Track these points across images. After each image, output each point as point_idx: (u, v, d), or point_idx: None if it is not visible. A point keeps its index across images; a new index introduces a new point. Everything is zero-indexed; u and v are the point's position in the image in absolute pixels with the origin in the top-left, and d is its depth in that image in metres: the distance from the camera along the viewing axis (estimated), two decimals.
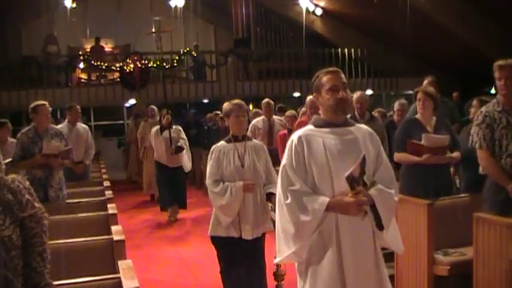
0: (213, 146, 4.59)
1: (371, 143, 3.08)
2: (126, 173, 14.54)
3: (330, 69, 3.14)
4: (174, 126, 9.10)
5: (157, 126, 9.19)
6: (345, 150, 2.97)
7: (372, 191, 2.93)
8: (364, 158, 2.88)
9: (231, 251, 4.54)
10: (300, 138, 3.02)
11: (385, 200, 2.96)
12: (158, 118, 10.29)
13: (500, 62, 4.17)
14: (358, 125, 3.18)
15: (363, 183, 2.89)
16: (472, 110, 5.75)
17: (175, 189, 9.15)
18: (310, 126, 3.12)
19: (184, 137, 9.24)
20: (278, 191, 3.03)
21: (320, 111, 3.17)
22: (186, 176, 9.75)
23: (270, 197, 4.41)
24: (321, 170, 2.93)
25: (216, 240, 4.59)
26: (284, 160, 3.03)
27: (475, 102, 5.78)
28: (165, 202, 9.33)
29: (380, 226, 2.98)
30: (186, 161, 9.14)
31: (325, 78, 3.07)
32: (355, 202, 2.82)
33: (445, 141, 4.97)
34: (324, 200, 2.87)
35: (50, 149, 5.87)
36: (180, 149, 8.90)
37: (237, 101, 4.63)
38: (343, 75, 3.10)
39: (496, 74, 4.19)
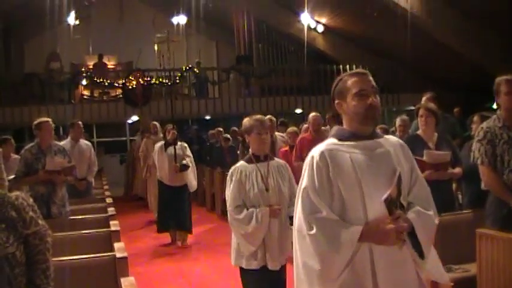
0: (233, 168, 4.18)
1: (404, 157, 2.64)
2: (124, 189, 14.72)
3: (357, 70, 2.76)
4: (179, 143, 8.56)
5: (162, 142, 8.69)
6: (377, 167, 2.52)
7: (410, 215, 2.51)
8: (400, 176, 2.50)
9: (255, 281, 4.09)
10: (322, 154, 2.54)
11: (425, 224, 2.53)
12: (161, 135, 9.97)
13: (508, 77, 4.16)
14: (386, 136, 2.77)
15: (400, 205, 2.50)
16: (474, 126, 5.77)
17: (178, 211, 8.54)
18: (332, 140, 2.64)
19: (190, 154, 8.71)
20: (298, 218, 2.54)
21: (344, 121, 2.68)
22: (190, 196, 8.98)
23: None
24: (350, 191, 2.47)
25: (241, 272, 4.16)
26: (304, 181, 2.56)
27: (476, 118, 5.79)
28: (163, 224, 8.77)
29: (421, 254, 2.53)
30: (191, 179, 8.53)
31: (350, 82, 2.66)
32: (395, 229, 2.39)
33: (447, 157, 4.98)
34: (357, 228, 2.41)
35: (53, 165, 5.89)
36: (185, 167, 8.37)
37: (258, 116, 4.25)
38: (371, 78, 2.70)
39: (504, 89, 4.17)
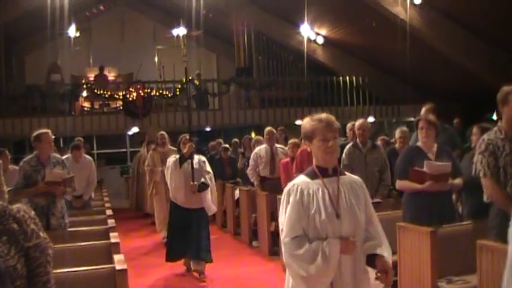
0: (290, 185, 3.13)
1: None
2: (130, 201, 14.11)
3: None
4: (196, 156, 7.28)
5: (175, 156, 7.28)
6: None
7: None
8: None
9: None
10: None
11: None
12: (170, 146, 9.21)
13: None
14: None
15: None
16: (474, 137, 5.77)
17: (194, 238, 7.11)
18: None
19: (210, 170, 7.37)
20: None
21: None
22: (208, 220, 7.57)
23: (373, 260, 3.07)
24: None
25: None
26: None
27: (475, 129, 5.79)
28: (175, 252, 7.33)
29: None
30: (209, 201, 7.24)
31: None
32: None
33: (447, 168, 4.98)
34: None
35: (53, 177, 5.87)
36: (204, 187, 7.10)
37: (323, 116, 3.15)
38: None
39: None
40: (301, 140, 9.09)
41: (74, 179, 6.38)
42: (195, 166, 7.11)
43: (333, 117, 3.17)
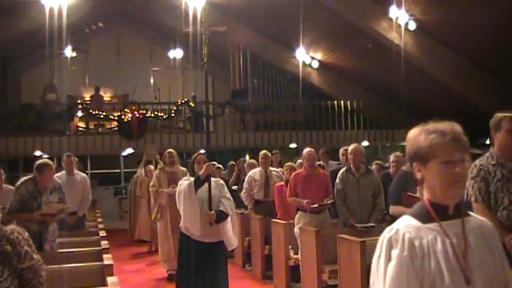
0: (388, 231, 2.07)
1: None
2: (129, 228, 12.94)
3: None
4: (213, 179, 6.05)
5: (189, 179, 5.97)
6: None
7: None
8: None
9: None
10: None
11: None
12: (180, 166, 8.45)
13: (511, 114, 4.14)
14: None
15: None
16: (466, 165, 5.80)
17: (210, 278, 5.85)
18: None
19: (230, 196, 6.13)
20: None
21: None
22: (227, 256, 6.46)
23: None
24: None
25: None
26: None
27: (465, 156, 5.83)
28: None
29: None
30: (229, 232, 5.97)
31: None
32: None
33: None
34: None
35: (49, 209, 5.84)
36: (223, 216, 5.86)
37: (446, 126, 2.19)
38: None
39: (506, 125, 4.10)
40: (296, 162, 9.15)
41: (68, 209, 6.34)
42: (212, 191, 5.84)
43: (459, 128, 2.22)
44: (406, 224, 2.05)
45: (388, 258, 2.00)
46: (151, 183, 8.67)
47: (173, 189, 7.35)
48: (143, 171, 11.25)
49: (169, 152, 8.62)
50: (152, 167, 10.72)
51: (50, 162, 6.11)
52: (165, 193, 8.24)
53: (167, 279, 8.42)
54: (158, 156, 10.47)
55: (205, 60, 9.46)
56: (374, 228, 6.47)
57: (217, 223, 5.77)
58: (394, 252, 1.99)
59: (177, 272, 6.42)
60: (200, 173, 5.82)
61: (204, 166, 5.83)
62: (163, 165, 8.66)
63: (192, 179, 5.90)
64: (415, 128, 2.21)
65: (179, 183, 6.14)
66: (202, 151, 7.29)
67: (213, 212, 5.75)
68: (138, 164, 12.03)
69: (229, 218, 5.90)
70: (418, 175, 2.18)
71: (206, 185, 5.84)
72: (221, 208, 5.84)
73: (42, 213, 5.79)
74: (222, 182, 6.21)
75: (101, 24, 19.77)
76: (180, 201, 5.89)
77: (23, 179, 6.13)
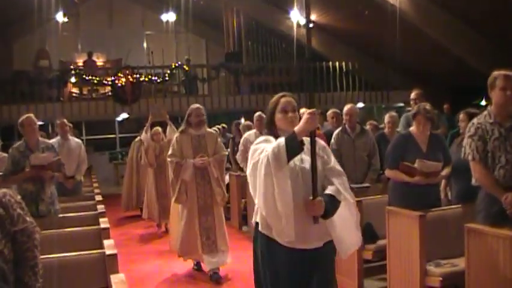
0: None
1: None
2: (124, 204, 11.19)
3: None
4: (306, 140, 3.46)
5: (268, 139, 3.48)
6: None
7: None
8: None
9: None
10: None
11: None
12: (207, 129, 6.69)
13: (506, 72, 4.12)
14: None
15: None
16: (462, 124, 5.80)
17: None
18: None
19: (339, 167, 3.70)
20: None
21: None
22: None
23: None
24: None
25: None
26: None
27: (462, 116, 5.83)
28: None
29: None
30: (343, 228, 3.98)
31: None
32: None
33: (438, 167, 5.02)
34: None
35: (38, 160, 5.80)
36: (335, 206, 3.65)
37: None
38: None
39: (500, 83, 4.11)
40: None
41: (62, 164, 6.34)
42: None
43: None
44: None
45: None
46: (169, 151, 6.40)
47: (202, 160, 6.25)
48: (149, 134, 9.36)
49: (197, 107, 6.51)
50: (160, 129, 9.35)
51: (30, 114, 6.10)
52: (191, 165, 6.27)
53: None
54: (168, 116, 9.51)
55: None
56: (369, 188, 6.49)
57: (325, 218, 3.22)
58: None
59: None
60: (297, 127, 3.05)
61: (306, 115, 3.03)
62: (187, 126, 6.44)
63: (270, 138, 3.32)
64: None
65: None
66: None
67: (319, 198, 3.16)
68: (139, 129, 10.73)
69: (345, 206, 3.33)
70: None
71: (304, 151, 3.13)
72: (329, 191, 3.25)
73: (32, 165, 5.76)
74: (323, 143, 3.53)
75: None
76: (257, 180, 3.14)
77: (14, 144, 6.12)
